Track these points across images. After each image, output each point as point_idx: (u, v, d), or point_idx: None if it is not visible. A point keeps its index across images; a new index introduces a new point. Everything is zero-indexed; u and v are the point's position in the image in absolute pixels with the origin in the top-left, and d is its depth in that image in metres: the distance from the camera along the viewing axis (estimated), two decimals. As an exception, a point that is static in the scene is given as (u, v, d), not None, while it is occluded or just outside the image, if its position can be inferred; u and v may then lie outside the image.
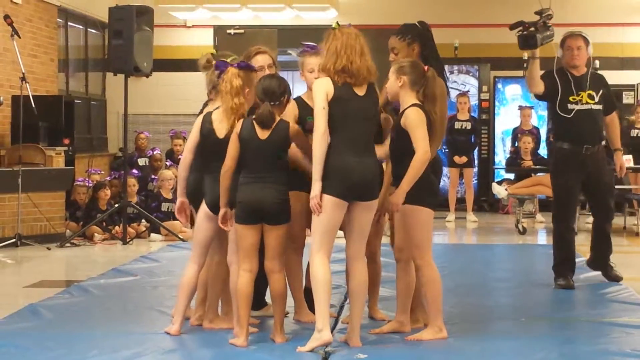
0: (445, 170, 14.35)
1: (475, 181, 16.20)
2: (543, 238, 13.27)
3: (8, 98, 12.77)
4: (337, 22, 6.15)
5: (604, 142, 8.76)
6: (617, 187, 11.44)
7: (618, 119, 8.96)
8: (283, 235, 6.17)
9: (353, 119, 5.97)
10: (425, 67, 6.26)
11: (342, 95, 5.96)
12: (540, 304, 7.89)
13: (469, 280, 9.00)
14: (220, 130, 6.29)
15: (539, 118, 16.16)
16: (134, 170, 13.91)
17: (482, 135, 16.51)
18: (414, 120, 6.12)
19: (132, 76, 12.43)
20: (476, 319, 7.09)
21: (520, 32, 8.17)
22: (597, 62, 15.22)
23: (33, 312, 7.21)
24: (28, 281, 9.08)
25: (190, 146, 6.49)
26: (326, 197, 5.88)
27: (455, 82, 16.71)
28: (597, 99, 8.44)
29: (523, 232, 13.34)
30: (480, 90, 16.89)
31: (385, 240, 7.10)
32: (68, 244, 11.86)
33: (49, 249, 11.47)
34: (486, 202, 16.81)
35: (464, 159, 15.14)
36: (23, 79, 11.40)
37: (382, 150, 6.38)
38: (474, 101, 16.47)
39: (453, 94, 15.82)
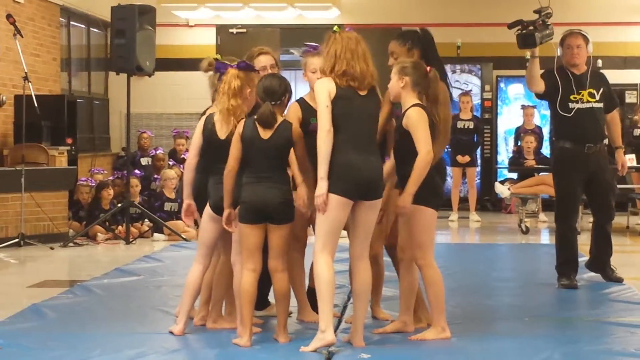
0: (448, 169, 14.33)
1: (478, 180, 16.19)
2: (546, 238, 13.26)
3: (11, 97, 12.79)
4: (338, 26, 6.16)
5: (606, 141, 8.76)
6: (619, 186, 11.45)
7: (619, 117, 8.95)
8: (287, 234, 6.18)
9: (356, 117, 5.98)
10: (428, 68, 6.26)
11: (345, 94, 5.97)
12: (544, 304, 7.89)
13: (472, 280, 9.00)
14: (222, 132, 6.29)
15: (542, 117, 16.15)
16: (137, 171, 13.91)
17: (485, 135, 16.50)
18: (416, 121, 6.11)
19: (134, 75, 12.43)
20: (479, 319, 7.09)
21: (519, 32, 8.16)
22: (599, 61, 15.21)
23: (36, 312, 7.21)
24: (31, 281, 9.08)
25: (194, 148, 6.49)
26: (332, 196, 5.88)
27: (457, 81, 16.71)
28: (597, 97, 8.43)
29: (526, 231, 13.33)
30: (482, 90, 16.88)
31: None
32: (71, 244, 11.86)
33: (52, 248, 11.47)
34: (489, 202, 16.81)
35: (467, 158, 15.13)
36: (25, 78, 11.41)
37: (386, 169, 6.39)
38: (476, 100, 16.47)
39: (455, 93, 15.82)
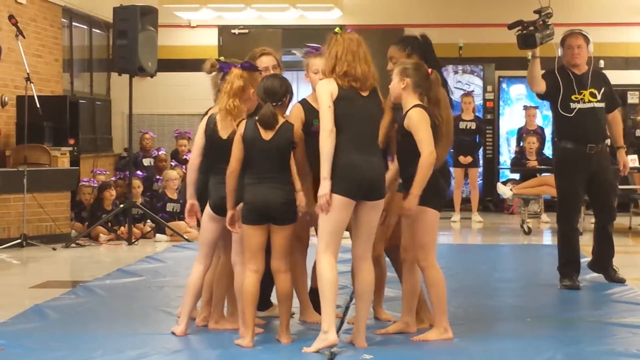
0: (450, 170, 14.33)
1: (480, 181, 16.19)
2: (548, 238, 13.26)
3: (13, 98, 12.80)
4: (340, 27, 6.16)
5: (608, 141, 8.76)
6: (621, 187, 11.44)
7: (621, 117, 8.94)
8: (289, 235, 6.18)
9: (358, 118, 5.99)
10: (429, 70, 6.27)
11: (347, 95, 5.98)
12: (546, 305, 7.89)
13: (474, 281, 8.99)
14: (223, 131, 6.29)
15: (544, 118, 16.14)
16: (138, 172, 13.91)
17: (487, 135, 16.49)
18: (417, 122, 6.12)
19: (136, 76, 12.44)
20: (481, 320, 7.09)
21: (520, 32, 8.16)
22: (601, 61, 15.20)
23: (38, 313, 7.22)
24: (33, 282, 9.09)
25: (196, 149, 6.50)
26: (335, 196, 5.89)
27: (459, 82, 16.71)
28: (599, 97, 8.43)
29: (528, 232, 13.32)
30: (484, 90, 16.87)
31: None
32: (73, 245, 11.87)
33: (54, 249, 11.48)
34: (491, 202, 16.80)
35: (469, 159, 15.13)
36: (28, 79, 11.41)
37: (390, 172, 6.40)
38: (478, 101, 16.46)
39: (457, 93, 15.83)
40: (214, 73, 6.61)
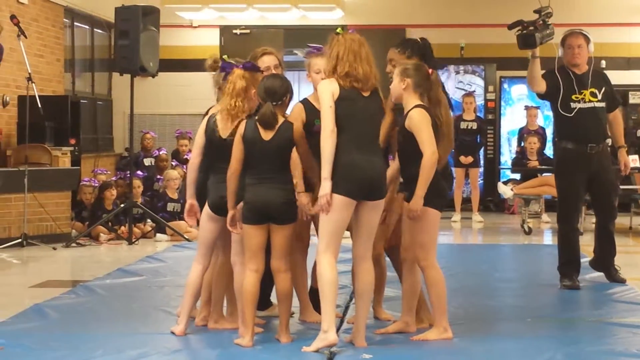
0: (452, 171, 14.33)
1: (481, 181, 16.19)
2: (549, 238, 13.26)
3: (14, 98, 12.80)
4: (341, 28, 6.16)
5: (609, 141, 8.75)
6: (622, 187, 11.43)
7: (621, 116, 8.93)
8: (290, 234, 6.18)
9: (359, 118, 5.99)
10: (430, 70, 6.27)
11: (348, 95, 5.98)
12: (546, 305, 7.89)
13: (474, 281, 8.99)
14: (223, 131, 6.29)
15: (545, 118, 16.13)
16: (139, 172, 13.92)
17: (488, 135, 16.49)
18: (418, 122, 6.12)
19: (138, 76, 12.45)
20: (481, 319, 7.09)
21: (519, 32, 8.15)
22: (603, 62, 15.19)
23: (39, 312, 7.22)
24: (34, 281, 9.09)
25: (197, 148, 6.50)
26: (335, 196, 5.89)
27: (461, 82, 16.72)
28: (599, 97, 8.42)
29: (529, 232, 13.32)
30: (486, 90, 16.87)
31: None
32: (74, 244, 11.87)
33: (54, 249, 11.48)
34: (492, 202, 16.80)
35: (470, 159, 15.13)
36: (29, 79, 11.42)
37: (391, 171, 6.40)
38: (479, 101, 16.47)
39: (459, 94, 15.83)
40: (215, 71, 6.61)
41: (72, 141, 13.20)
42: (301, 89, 14.68)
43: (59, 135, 12.85)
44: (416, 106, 6.19)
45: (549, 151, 15.05)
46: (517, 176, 15.22)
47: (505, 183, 14.66)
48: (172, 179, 13.35)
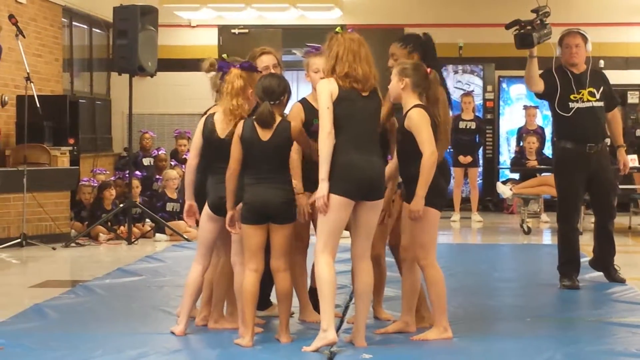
0: (450, 168, 14.33)
1: (480, 181, 16.19)
2: (548, 238, 13.26)
3: (13, 98, 12.79)
4: (341, 27, 6.16)
5: (608, 140, 8.75)
6: (621, 187, 11.44)
7: (620, 115, 8.93)
8: (289, 234, 6.18)
9: (358, 118, 5.98)
10: (428, 70, 6.27)
11: (347, 95, 5.97)
12: (545, 304, 7.89)
13: (473, 280, 8.99)
14: (222, 131, 6.29)
15: (544, 118, 16.13)
16: (137, 172, 13.91)
17: (487, 135, 16.49)
18: (418, 122, 6.12)
19: (136, 76, 12.44)
20: (481, 319, 7.09)
21: (517, 31, 8.15)
22: (601, 61, 15.20)
23: (38, 312, 7.21)
24: (33, 281, 9.09)
25: (194, 149, 6.50)
26: (333, 196, 5.88)
27: (459, 81, 16.71)
28: (598, 96, 8.42)
29: (528, 232, 13.33)
30: (484, 90, 16.87)
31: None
32: (73, 244, 11.87)
33: (54, 249, 11.48)
34: (491, 202, 16.80)
35: (469, 158, 15.14)
36: (28, 78, 11.41)
37: (389, 169, 6.40)
38: (478, 101, 16.47)
39: (457, 93, 15.83)
40: (212, 73, 6.61)
41: (71, 141, 13.20)
42: (300, 89, 14.69)
43: (57, 135, 12.85)
44: (415, 106, 6.19)
45: (547, 151, 15.06)
46: (516, 176, 15.21)
47: (504, 183, 14.66)
48: (171, 179, 13.35)
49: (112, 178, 14.09)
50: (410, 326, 6.45)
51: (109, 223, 12.63)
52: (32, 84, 11.40)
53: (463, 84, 16.71)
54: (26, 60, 11.55)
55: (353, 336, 6.11)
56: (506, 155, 16.78)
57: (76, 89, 15.72)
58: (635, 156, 13.21)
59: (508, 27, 8.15)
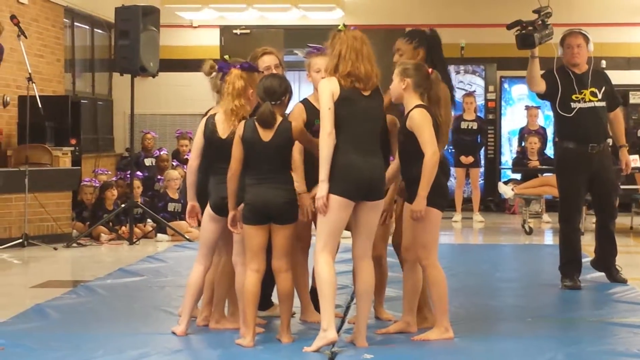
0: (452, 170, 14.33)
1: (482, 181, 16.18)
2: (549, 238, 13.26)
3: (15, 98, 12.80)
4: (344, 24, 6.15)
5: (610, 141, 8.74)
6: (623, 187, 11.43)
7: (622, 115, 8.92)
8: (291, 234, 6.18)
9: (359, 119, 5.98)
10: (430, 70, 6.27)
11: (349, 95, 5.97)
12: (547, 305, 7.88)
13: (475, 281, 8.99)
14: (223, 131, 6.29)
15: (546, 118, 16.13)
16: (138, 173, 13.92)
17: (489, 135, 16.49)
18: (420, 122, 6.11)
19: (138, 76, 12.45)
20: (482, 319, 7.09)
21: (518, 32, 8.14)
22: (603, 62, 15.19)
23: (39, 313, 7.22)
24: (34, 281, 9.09)
25: (195, 150, 6.50)
26: (333, 197, 5.88)
27: (461, 82, 16.71)
28: (600, 96, 8.41)
29: (529, 232, 13.32)
30: (486, 90, 16.87)
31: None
32: (75, 244, 11.87)
33: (55, 249, 11.48)
34: (492, 202, 16.80)
35: (470, 159, 15.14)
36: (29, 79, 11.41)
37: (391, 170, 6.40)
38: (480, 101, 16.47)
39: (459, 94, 15.81)
40: (213, 74, 6.61)
41: (73, 141, 13.21)
42: (301, 89, 14.70)
43: (59, 136, 12.86)
44: (417, 106, 6.19)
45: (549, 151, 15.05)
46: (518, 176, 15.22)
47: (505, 183, 14.66)
48: (172, 179, 13.35)
49: (114, 178, 14.10)
50: (411, 326, 6.44)
51: (111, 223, 12.63)
52: (33, 84, 11.41)
53: (465, 84, 16.72)
54: (28, 61, 11.56)
55: (354, 336, 6.11)
56: (508, 155, 16.78)
57: (78, 89, 15.73)
58: (637, 156, 13.19)
59: (509, 27, 8.14)
